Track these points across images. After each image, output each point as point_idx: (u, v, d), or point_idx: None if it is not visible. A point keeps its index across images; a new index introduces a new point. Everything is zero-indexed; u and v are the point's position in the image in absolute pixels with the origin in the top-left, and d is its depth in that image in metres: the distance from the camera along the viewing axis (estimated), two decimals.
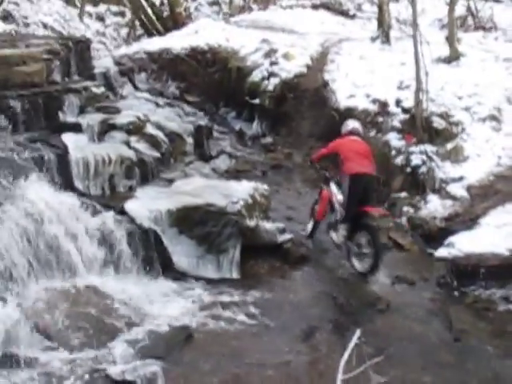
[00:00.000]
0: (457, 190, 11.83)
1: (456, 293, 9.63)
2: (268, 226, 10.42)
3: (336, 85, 14.92)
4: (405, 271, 10.21)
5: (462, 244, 9.77)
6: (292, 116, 15.32)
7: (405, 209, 11.92)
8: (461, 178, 11.99)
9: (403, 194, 12.29)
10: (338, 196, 10.66)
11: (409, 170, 12.46)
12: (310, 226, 11.20)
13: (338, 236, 10.56)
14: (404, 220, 11.75)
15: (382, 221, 10.72)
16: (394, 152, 12.83)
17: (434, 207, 11.68)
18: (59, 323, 7.97)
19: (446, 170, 12.18)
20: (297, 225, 11.46)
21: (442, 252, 9.89)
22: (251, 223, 10.06)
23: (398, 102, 13.57)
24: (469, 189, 11.82)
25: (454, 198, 11.75)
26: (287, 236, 10.58)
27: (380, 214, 10.35)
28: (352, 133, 11.00)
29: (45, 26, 30.39)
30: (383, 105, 13.76)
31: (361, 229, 10.25)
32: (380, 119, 13.63)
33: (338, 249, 10.65)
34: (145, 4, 23.28)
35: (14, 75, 11.79)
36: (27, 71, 12.00)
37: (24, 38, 14.67)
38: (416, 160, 12.39)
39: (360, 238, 10.23)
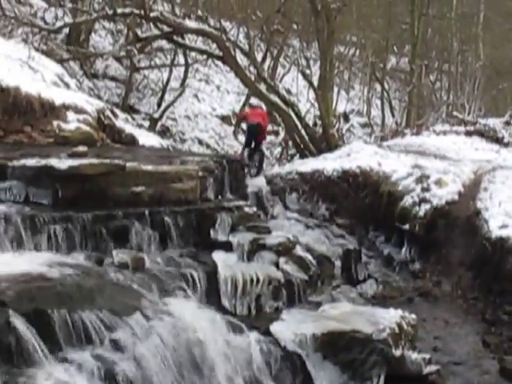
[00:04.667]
0: None
1: None
2: (414, 356, 10.16)
3: (488, 214, 14.67)
4: None
5: None
6: (442, 243, 15.13)
7: None
8: None
9: None
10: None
11: None
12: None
13: (245, 156, 19.46)
14: None
15: None
16: None
17: None
18: None
19: None
20: (444, 356, 11.16)
21: None
22: (397, 352, 9.85)
23: None
24: None
25: None
26: (433, 367, 10.27)
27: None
28: (252, 107, 21.73)
29: (200, 142, 31.51)
30: None
31: (254, 152, 19.66)
32: None
33: (247, 166, 18.44)
34: (298, 124, 23.77)
35: (169, 191, 12.13)
36: (182, 188, 12.32)
37: (180, 154, 15.21)
38: None
39: (255, 157, 19.52)
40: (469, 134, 25.71)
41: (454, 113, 32.97)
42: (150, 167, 12.13)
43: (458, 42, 42.83)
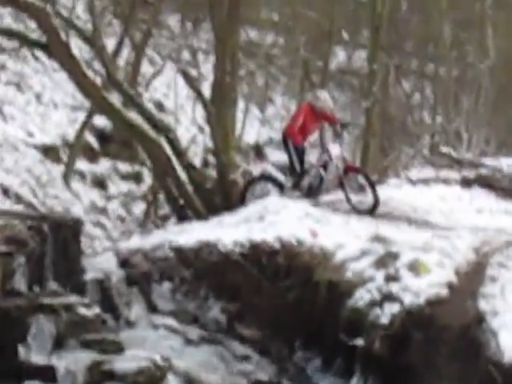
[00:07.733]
0: None
1: None
2: None
3: (498, 321, 14.90)
4: None
5: None
6: (419, 371, 15.30)
7: None
8: None
9: None
10: None
11: None
12: None
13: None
14: None
15: None
16: None
17: None
18: None
19: None
20: None
21: None
22: None
23: None
24: None
25: None
26: None
27: None
28: None
29: (6, 192, 31.21)
30: None
31: None
32: None
33: None
34: (176, 164, 23.50)
35: None
36: None
37: None
38: None
39: None
40: (467, 183, 26.23)
41: (443, 148, 33.58)
42: None
43: (452, 27, 43.63)
